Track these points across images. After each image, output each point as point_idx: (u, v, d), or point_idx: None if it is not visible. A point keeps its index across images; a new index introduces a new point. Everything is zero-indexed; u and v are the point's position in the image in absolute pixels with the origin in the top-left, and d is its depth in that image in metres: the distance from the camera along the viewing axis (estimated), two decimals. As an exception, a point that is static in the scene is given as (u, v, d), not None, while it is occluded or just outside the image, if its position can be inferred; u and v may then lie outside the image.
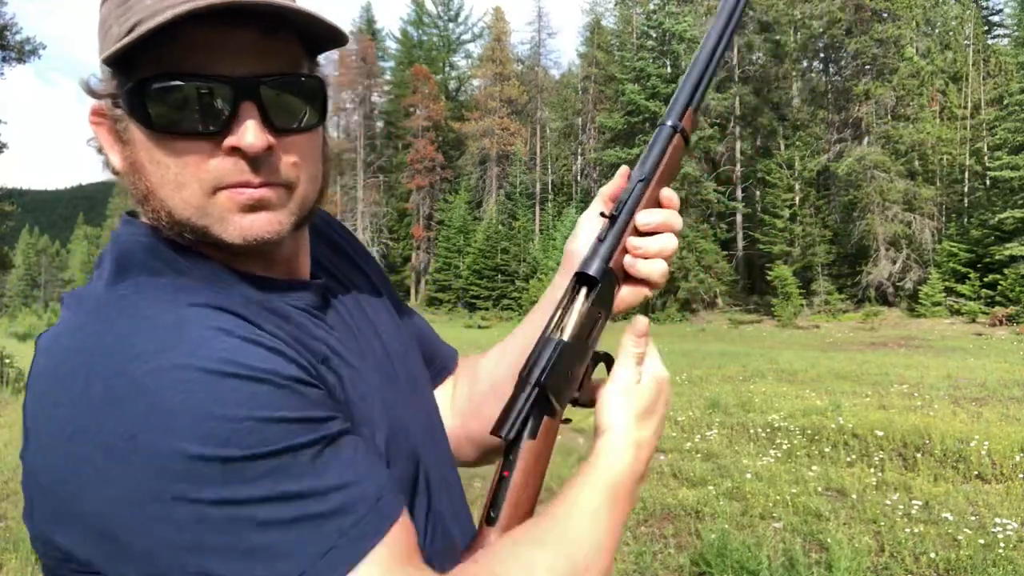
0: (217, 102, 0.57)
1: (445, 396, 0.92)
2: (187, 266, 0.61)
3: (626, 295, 0.79)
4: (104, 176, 0.68)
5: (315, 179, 0.65)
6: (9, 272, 38.07)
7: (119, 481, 0.48)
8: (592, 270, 0.72)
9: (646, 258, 0.76)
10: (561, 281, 0.80)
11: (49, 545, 0.54)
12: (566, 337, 0.69)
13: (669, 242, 0.76)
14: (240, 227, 0.59)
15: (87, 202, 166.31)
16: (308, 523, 0.49)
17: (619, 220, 0.74)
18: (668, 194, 0.78)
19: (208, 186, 0.58)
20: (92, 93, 0.61)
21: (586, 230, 0.79)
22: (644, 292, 0.80)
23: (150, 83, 0.56)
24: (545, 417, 0.68)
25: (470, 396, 0.90)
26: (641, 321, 0.74)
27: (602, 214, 0.75)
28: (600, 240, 0.73)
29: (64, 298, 0.61)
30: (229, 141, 0.57)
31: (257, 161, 0.58)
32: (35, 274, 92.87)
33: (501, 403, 0.69)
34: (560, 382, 0.68)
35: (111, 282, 0.59)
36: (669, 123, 0.80)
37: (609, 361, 0.73)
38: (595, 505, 0.63)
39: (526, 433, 0.67)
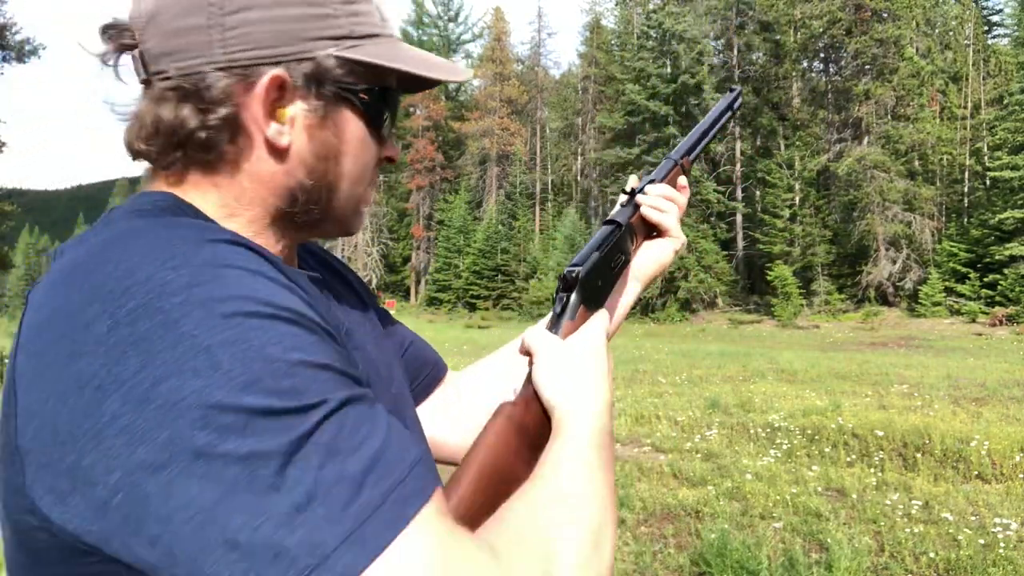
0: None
1: (435, 404, 0.92)
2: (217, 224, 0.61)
3: (650, 250, 0.93)
4: (135, 170, 0.67)
5: None
6: (9, 272, 38.03)
7: (152, 437, 0.43)
8: (619, 218, 0.85)
9: (659, 209, 0.91)
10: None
11: (28, 511, 0.48)
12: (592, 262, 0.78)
13: (678, 197, 0.94)
14: (360, 222, 0.71)
15: (87, 202, 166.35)
16: (354, 481, 0.45)
17: (635, 194, 0.90)
18: (674, 189, 0.95)
19: (369, 184, 0.70)
20: (321, 72, 0.62)
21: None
22: (665, 248, 0.93)
23: (393, 93, 0.68)
24: (582, 306, 0.75)
25: (452, 407, 0.92)
26: None
27: (623, 190, 0.91)
28: (623, 206, 0.89)
29: (61, 248, 0.57)
30: (389, 152, 0.70)
31: None
32: (35, 274, 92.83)
33: (481, 415, 0.70)
34: (595, 282, 0.78)
35: (126, 219, 0.57)
36: (674, 157, 0.98)
37: None
38: (586, 458, 0.61)
39: (567, 313, 0.74)
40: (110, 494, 0.44)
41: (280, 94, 0.61)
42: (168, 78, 0.59)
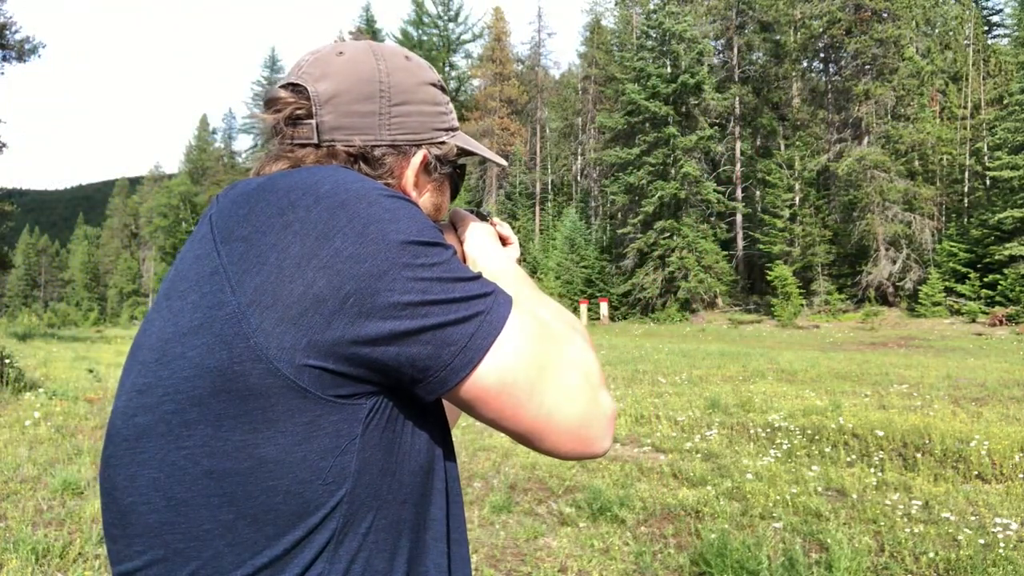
0: None
1: None
2: None
3: None
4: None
5: None
6: (9, 272, 38.06)
7: (372, 255, 0.65)
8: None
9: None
10: None
11: (253, 358, 0.63)
12: None
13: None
14: None
15: (87, 202, 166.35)
16: (481, 282, 0.71)
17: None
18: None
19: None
20: (446, 154, 0.89)
21: None
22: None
23: (463, 168, 0.96)
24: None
25: None
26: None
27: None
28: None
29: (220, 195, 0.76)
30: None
31: None
32: (35, 274, 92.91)
33: None
34: None
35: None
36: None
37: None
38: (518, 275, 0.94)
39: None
40: (344, 299, 0.63)
41: (423, 168, 0.86)
42: (351, 146, 0.80)
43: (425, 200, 0.88)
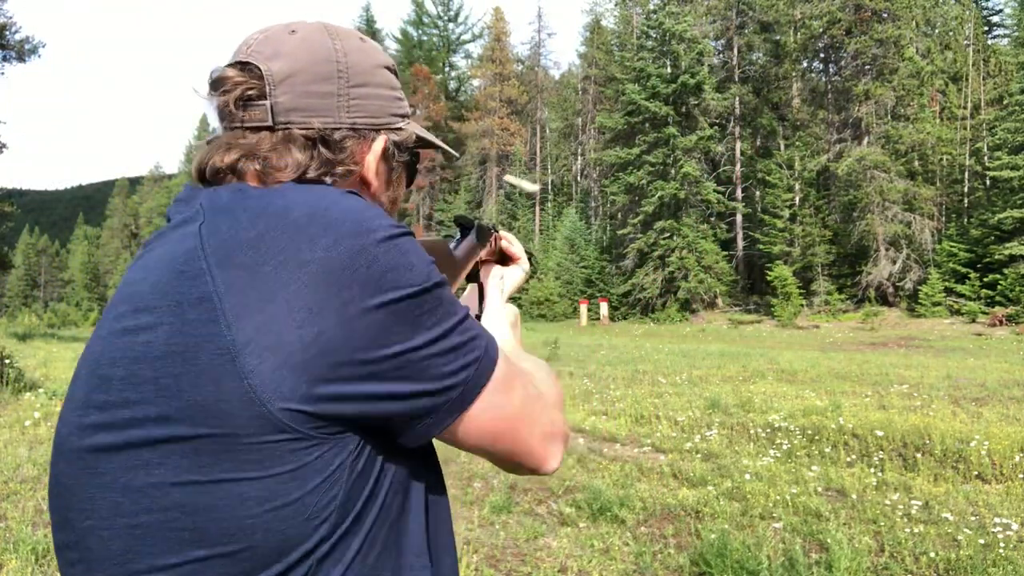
0: None
1: None
2: None
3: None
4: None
5: None
6: (9, 272, 38.04)
7: (394, 317, 0.65)
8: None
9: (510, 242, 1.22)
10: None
11: (243, 398, 0.59)
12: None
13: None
14: None
15: (87, 202, 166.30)
16: (473, 322, 0.71)
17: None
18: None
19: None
20: (405, 141, 0.86)
21: None
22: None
23: (418, 157, 0.91)
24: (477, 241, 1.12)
25: None
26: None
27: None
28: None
29: (202, 204, 0.71)
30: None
31: None
32: (35, 274, 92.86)
33: None
34: None
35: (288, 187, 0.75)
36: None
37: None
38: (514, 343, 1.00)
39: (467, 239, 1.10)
40: (352, 351, 0.61)
41: (383, 155, 0.82)
42: (309, 128, 0.75)
43: (380, 189, 0.84)
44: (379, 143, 0.81)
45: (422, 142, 0.89)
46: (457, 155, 1.14)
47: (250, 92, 0.74)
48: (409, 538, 0.70)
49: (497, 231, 1.19)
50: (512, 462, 0.76)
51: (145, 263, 0.70)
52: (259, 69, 0.74)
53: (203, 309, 0.61)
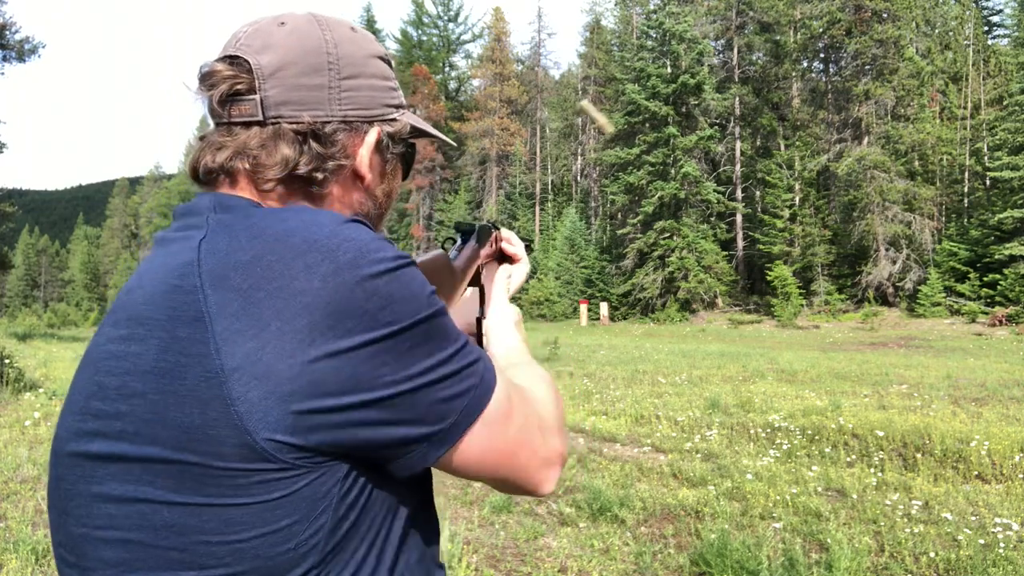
0: None
1: None
2: None
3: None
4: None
5: None
6: (9, 272, 38.06)
7: (391, 348, 0.64)
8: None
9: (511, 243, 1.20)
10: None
11: (229, 425, 0.58)
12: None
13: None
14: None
15: (87, 202, 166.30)
16: (470, 349, 0.69)
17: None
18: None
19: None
20: (399, 132, 0.83)
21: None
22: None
23: (414, 149, 0.88)
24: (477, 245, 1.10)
25: None
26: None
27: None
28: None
29: (206, 216, 0.70)
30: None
31: None
32: (35, 274, 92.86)
33: None
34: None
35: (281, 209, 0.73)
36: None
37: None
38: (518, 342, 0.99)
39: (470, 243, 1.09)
40: (343, 382, 0.59)
41: (376, 147, 0.80)
42: (299, 122, 0.73)
43: (375, 183, 0.82)
44: (372, 135, 0.79)
45: (418, 133, 0.87)
46: (455, 144, 1.08)
47: (239, 86, 0.73)
48: (400, 561, 0.69)
49: (498, 229, 1.18)
50: (508, 487, 0.74)
51: (144, 271, 0.69)
52: (248, 63, 0.73)
53: (194, 328, 0.60)
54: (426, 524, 0.73)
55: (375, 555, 0.66)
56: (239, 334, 0.59)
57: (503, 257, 1.20)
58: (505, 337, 0.99)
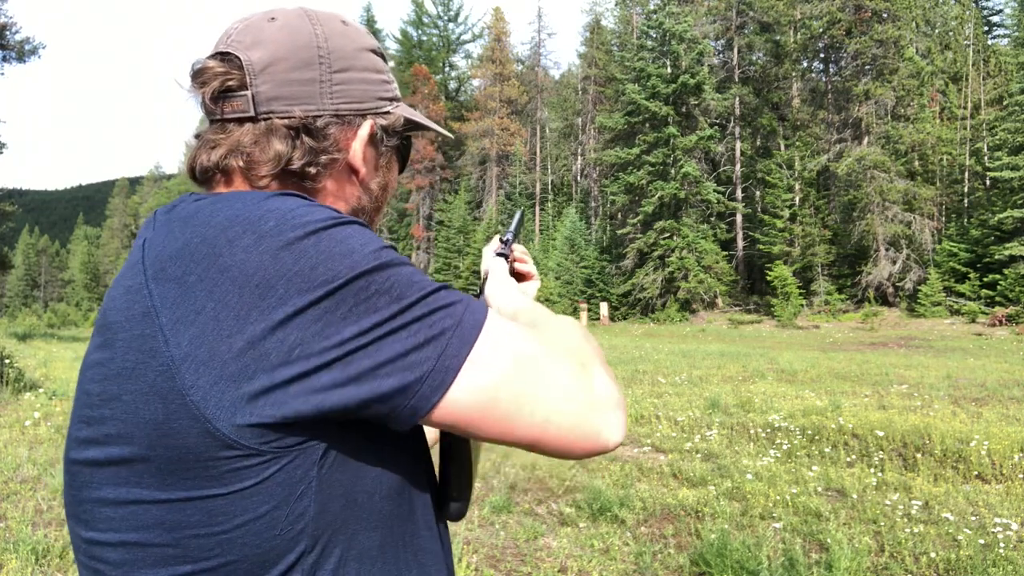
0: None
1: None
2: None
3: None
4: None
5: None
6: (9, 272, 38.06)
7: (324, 312, 0.60)
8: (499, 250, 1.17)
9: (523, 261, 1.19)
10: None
11: (187, 415, 0.57)
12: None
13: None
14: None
15: (87, 202, 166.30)
16: (447, 293, 0.65)
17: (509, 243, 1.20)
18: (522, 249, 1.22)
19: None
20: (393, 125, 0.83)
21: (489, 255, 1.16)
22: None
23: (410, 142, 0.90)
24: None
25: None
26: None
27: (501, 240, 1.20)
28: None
29: (162, 211, 0.70)
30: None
31: None
32: (35, 274, 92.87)
33: None
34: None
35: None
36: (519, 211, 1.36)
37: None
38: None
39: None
40: (289, 350, 0.57)
41: (370, 140, 0.80)
42: (291, 117, 0.73)
43: (370, 177, 0.82)
44: (365, 128, 0.79)
45: (413, 125, 0.86)
46: (451, 136, 1.05)
47: (231, 83, 0.73)
48: (415, 538, 0.69)
49: (512, 250, 1.17)
50: (553, 444, 0.64)
51: (115, 279, 0.70)
52: (239, 59, 0.73)
53: (145, 324, 0.60)
54: (422, 494, 0.72)
55: (379, 534, 0.66)
56: (181, 322, 0.59)
57: (516, 275, 1.19)
58: (512, 300, 0.94)
